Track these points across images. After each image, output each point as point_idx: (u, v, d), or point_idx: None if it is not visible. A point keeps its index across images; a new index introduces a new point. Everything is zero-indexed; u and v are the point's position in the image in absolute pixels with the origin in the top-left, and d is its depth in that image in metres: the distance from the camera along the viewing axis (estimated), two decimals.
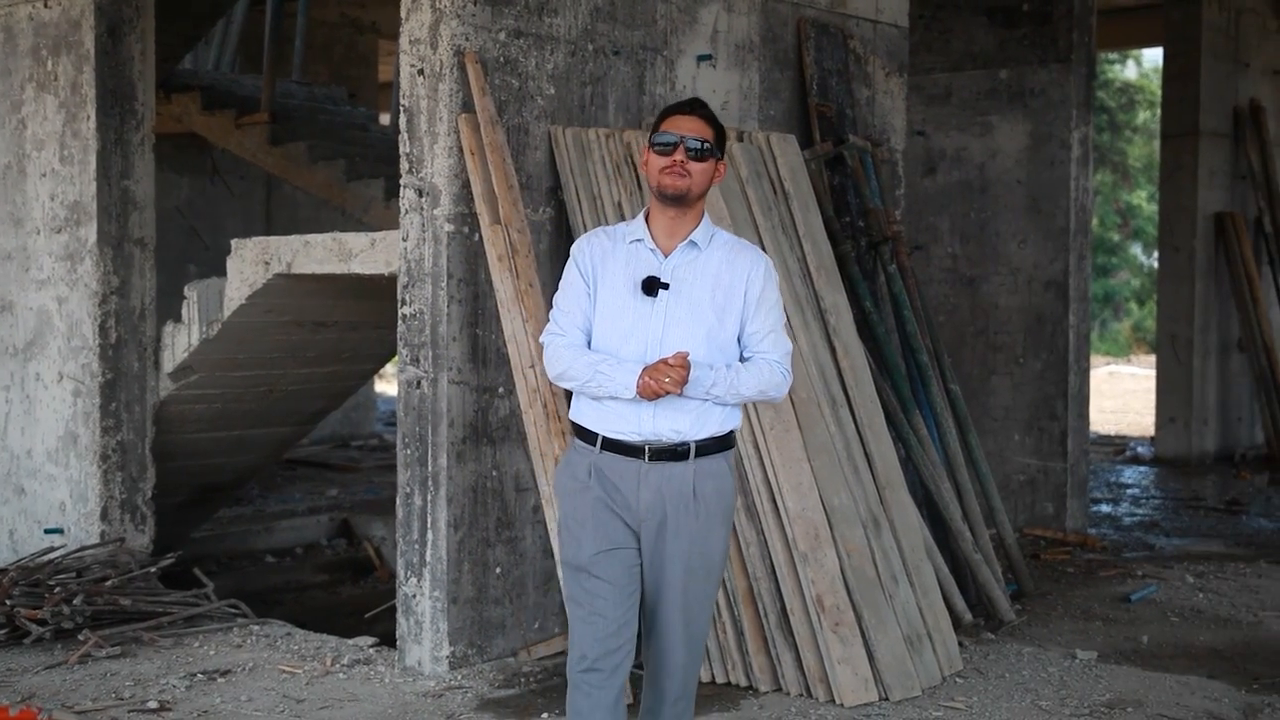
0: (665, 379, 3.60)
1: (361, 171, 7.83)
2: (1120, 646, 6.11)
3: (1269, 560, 7.87)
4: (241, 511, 9.59)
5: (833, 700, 5.25)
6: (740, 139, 6.25)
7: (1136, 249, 41.75)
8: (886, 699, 5.28)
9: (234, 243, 6.65)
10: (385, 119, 11.59)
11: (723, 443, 3.81)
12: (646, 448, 3.73)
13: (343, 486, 10.74)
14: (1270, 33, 13.00)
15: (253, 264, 6.53)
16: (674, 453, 3.73)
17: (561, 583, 3.46)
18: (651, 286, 3.73)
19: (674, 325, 3.73)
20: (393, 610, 6.02)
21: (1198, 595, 7.01)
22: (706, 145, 3.73)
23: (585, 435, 3.80)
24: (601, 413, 3.75)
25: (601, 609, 3.75)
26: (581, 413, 3.80)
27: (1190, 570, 7.53)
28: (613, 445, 3.75)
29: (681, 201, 3.73)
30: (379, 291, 6.48)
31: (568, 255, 5.89)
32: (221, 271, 6.79)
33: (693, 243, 3.79)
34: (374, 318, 7.03)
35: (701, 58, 6.44)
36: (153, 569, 6.66)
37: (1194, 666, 5.81)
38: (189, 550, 7.72)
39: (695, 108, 3.80)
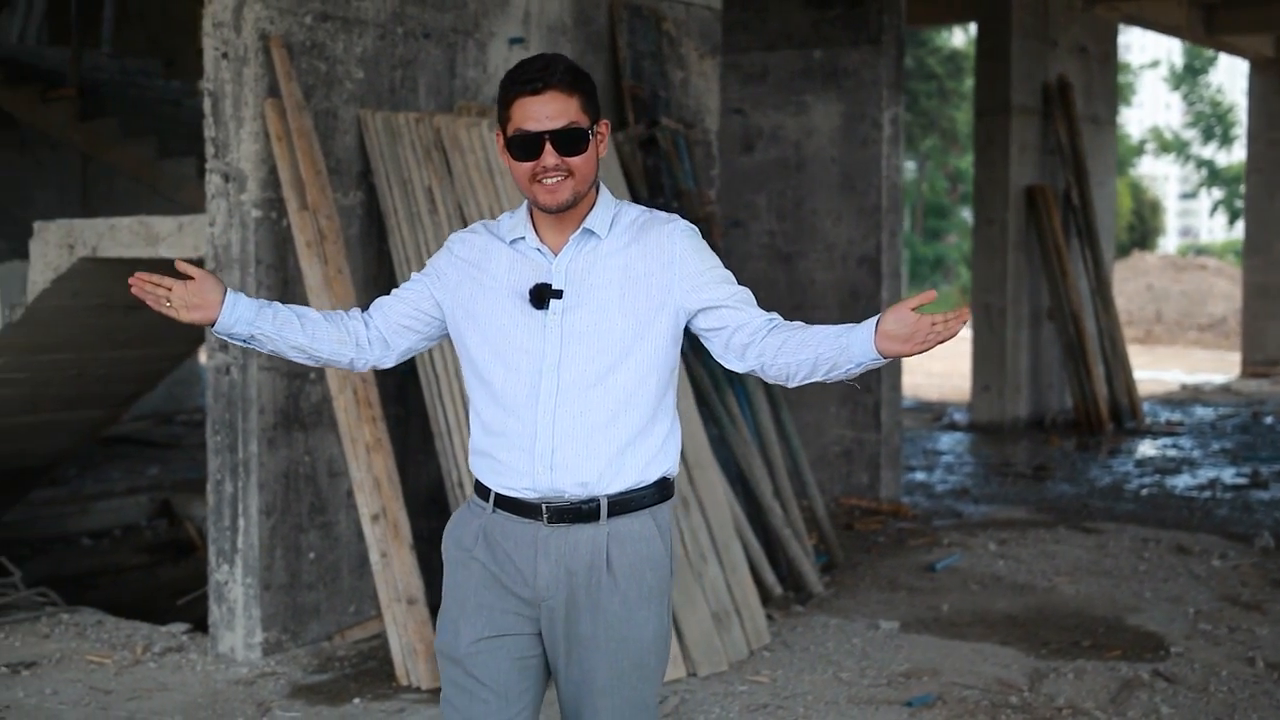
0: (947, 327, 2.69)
1: (174, 149, 7.70)
2: (922, 615, 6.33)
3: (1068, 526, 8.19)
4: (56, 493, 9.37)
5: None
6: None
7: (966, 213, 42.80)
8: (694, 675, 5.42)
9: (36, 225, 6.49)
10: None
11: (649, 496, 2.96)
12: (544, 506, 2.90)
13: (164, 465, 10.57)
14: (1077, 11, 13.43)
15: (56, 247, 6.39)
16: (579, 512, 2.90)
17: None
18: (541, 296, 2.87)
19: (574, 342, 2.85)
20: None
21: (999, 562, 7.28)
22: (578, 129, 2.81)
23: (480, 490, 2.99)
24: (493, 463, 2.94)
25: (478, 717, 2.93)
26: (476, 463, 3.00)
27: (994, 538, 7.81)
28: (507, 504, 2.93)
29: (571, 208, 2.88)
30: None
31: (378, 239, 5.96)
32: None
33: (588, 231, 2.90)
34: None
35: (513, 40, 6.46)
36: None
37: (989, 634, 6.05)
38: None
39: (548, 79, 2.80)
